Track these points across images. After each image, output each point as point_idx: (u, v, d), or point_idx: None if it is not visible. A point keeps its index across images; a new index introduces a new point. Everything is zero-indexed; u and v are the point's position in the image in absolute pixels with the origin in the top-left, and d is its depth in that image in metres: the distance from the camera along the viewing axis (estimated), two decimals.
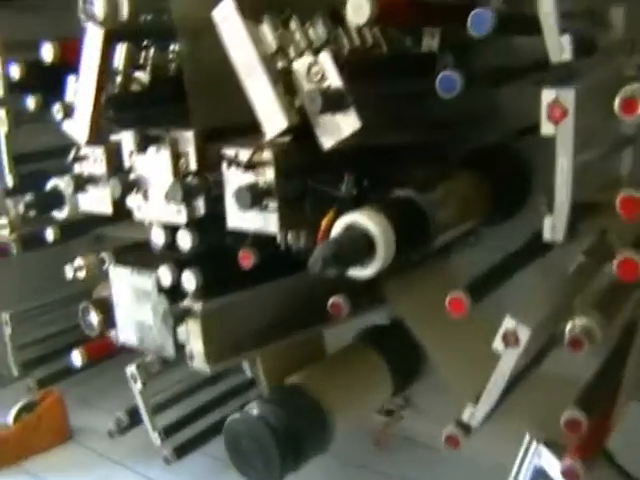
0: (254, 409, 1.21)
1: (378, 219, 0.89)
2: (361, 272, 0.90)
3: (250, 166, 0.97)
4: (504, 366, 0.93)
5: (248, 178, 1.00)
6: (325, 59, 0.94)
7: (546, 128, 0.83)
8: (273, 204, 0.99)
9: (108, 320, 1.29)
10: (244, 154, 1.00)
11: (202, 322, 1.15)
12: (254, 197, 0.96)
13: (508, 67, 1.01)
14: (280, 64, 1.01)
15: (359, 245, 0.87)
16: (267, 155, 0.98)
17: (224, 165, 1.02)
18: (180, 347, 1.21)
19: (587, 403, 0.87)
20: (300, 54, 1.00)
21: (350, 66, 0.97)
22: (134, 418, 1.49)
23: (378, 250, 0.89)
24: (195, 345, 1.17)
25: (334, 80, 0.93)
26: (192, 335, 1.17)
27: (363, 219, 0.88)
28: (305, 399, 1.23)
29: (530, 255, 1.11)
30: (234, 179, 1.02)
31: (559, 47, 0.81)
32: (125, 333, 1.29)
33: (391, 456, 1.56)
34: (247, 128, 1.05)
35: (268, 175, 0.99)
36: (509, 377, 0.94)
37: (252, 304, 1.21)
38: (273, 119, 0.97)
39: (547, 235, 0.88)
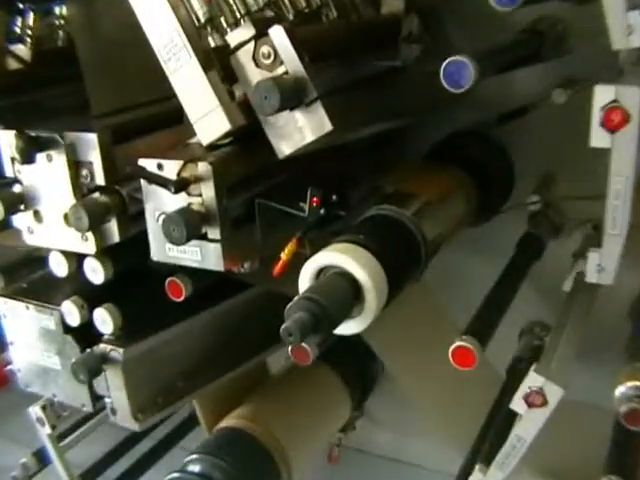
0: (195, 465, 0.94)
1: (366, 260, 0.63)
2: (346, 329, 0.63)
3: (180, 186, 0.67)
4: (526, 430, 0.70)
5: (178, 199, 0.70)
6: (278, 35, 0.66)
7: (599, 138, 0.58)
8: (214, 231, 0.71)
9: None
10: (171, 168, 0.70)
11: (124, 371, 0.87)
12: (189, 228, 0.67)
13: (502, 47, 0.75)
14: (212, 41, 0.71)
15: (346, 301, 0.60)
16: (203, 168, 0.69)
17: (143, 182, 0.72)
18: (99, 396, 0.92)
19: None
20: (235, 23, 0.71)
21: (306, 43, 0.68)
22: (43, 460, 1.19)
23: (368, 301, 0.63)
24: (117, 398, 0.89)
25: (293, 65, 0.66)
26: (113, 386, 0.88)
27: (347, 262, 0.62)
28: (253, 446, 0.97)
29: (525, 265, 0.87)
30: (157, 196, 0.73)
31: (625, 28, 0.55)
32: (25, 376, 0.98)
33: (346, 471, 1.33)
34: (169, 119, 0.76)
35: (206, 195, 0.70)
36: (531, 441, 0.71)
37: (185, 341, 0.94)
38: (209, 120, 0.69)
39: (592, 277, 0.65)
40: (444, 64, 0.61)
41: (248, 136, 0.72)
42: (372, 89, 0.78)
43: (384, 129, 0.86)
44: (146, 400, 0.91)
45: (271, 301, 0.82)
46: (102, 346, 0.87)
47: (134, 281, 0.87)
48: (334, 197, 0.73)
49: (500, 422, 0.82)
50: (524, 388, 0.69)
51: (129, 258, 0.84)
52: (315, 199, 0.71)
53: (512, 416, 0.80)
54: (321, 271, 0.65)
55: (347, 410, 1.17)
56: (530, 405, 0.69)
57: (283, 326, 0.58)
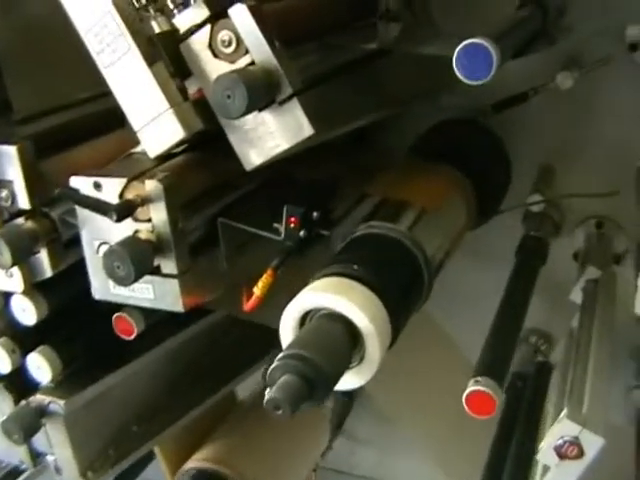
0: None
1: (364, 300, 0.50)
2: (344, 384, 0.50)
3: (123, 211, 0.52)
4: None
5: (122, 226, 0.56)
6: (240, 16, 0.51)
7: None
8: (168, 264, 0.56)
9: None
10: (111, 188, 0.55)
11: (67, 426, 0.73)
12: (137, 264, 0.53)
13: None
14: (157, 26, 0.56)
15: (343, 353, 0.47)
16: (151, 187, 0.54)
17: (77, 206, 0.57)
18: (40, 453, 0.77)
19: None
20: (184, 3, 0.56)
21: (275, 24, 0.53)
22: None
23: (370, 350, 0.50)
24: (61, 455, 0.75)
25: (260, 53, 0.52)
26: (55, 443, 0.73)
27: (343, 304, 0.48)
28: None
29: (532, 274, 0.76)
30: (96, 223, 0.58)
31: None
32: None
33: None
34: (110, 121, 0.63)
35: (156, 219, 0.55)
36: None
37: (139, 381, 0.80)
38: (156, 126, 0.54)
39: None
40: (457, 50, 0.47)
41: (207, 141, 0.58)
42: (351, 77, 0.65)
43: (365, 123, 0.73)
44: (96, 454, 0.76)
45: (238, 324, 0.71)
46: (39, 397, 0.72)
47: (75, 318, 0.72)
48: (315, 214, 0.59)
49: (514, 464, 0.71)
50: (555, 437, 0.57)
51: (67, 291, 0.69)
52: (292, 219, 0.57)
53: (527, 457, 0.69)
54: (307, 313, 0.51)
55: (326, 435, 1.04)
56: (563, 457, 0.57)
57: (267, 396, 0.44)
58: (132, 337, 0.70)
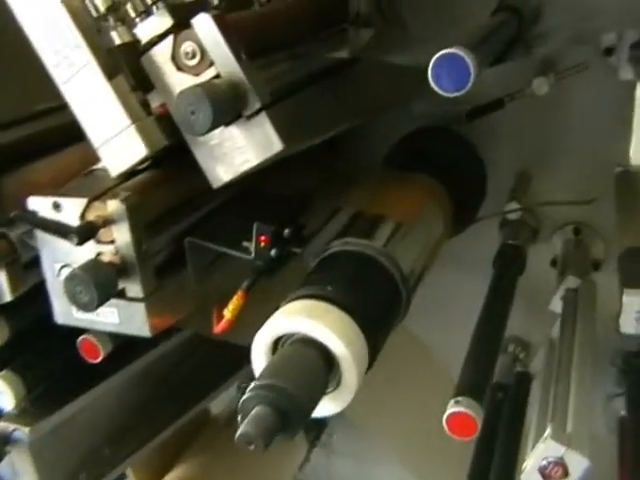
0: None
1: (340, 324, 0.48)
2: (320, 412, 0.48)
3: (85, 234, 0.49)
4: None
5: (84, 249, 0.53)
6: (204, 26, 0.49)
7: None
8: (134, 287, 0.53)
9: None
10: (71, 209, 0.52)
11: (32, 453, 0.69)
12: (101, 289, 0.50)
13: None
14: (117, 37, 0.53)
15: (319, 381, 0.45)
16: (114, 207, 0.51)
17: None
18: None
19: None
20: (146, 11, 0.53)
21: (241, 34, 0.51)
22: None
23: (347, 376, 0.47)
24: None
25: (226, 65, 0.49)
26: (21, 471, 0.70)
27: (317, 330, 0.46)
28: None
29: (511, 284, 0.75)
30: (56, 245, 0.55)
31: None
32: None
33: None
34: (71, 134, 0.59)
35: (120, 241, 0.53)
36: None
37: (108, 402, 0.77)
38: (118, 143, 0.51)
39: (629, 327, 0.55)
40: (433, 60, 0.45)
41: (172, 156, 0.55)
42: (322, 87, 0.62)
43: (337, 133, 0.70)
44: None
45: (208, 341, 0.68)
46: (2, 425, 0.69)
47: (38, 341, 0.69)
48: (286, 231, 0.57)
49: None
50: (538, 458, 0.55)
51: (29, 314, 0.66)
52: (263, 237, 0.55)
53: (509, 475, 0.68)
54: (280, 338, 0.49)
55: (303, 448, 1.02)
56: (547, 478, 0.55)
57: (240, 430, 0.41)
58: (98, 360, 0.67)
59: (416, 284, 0.62)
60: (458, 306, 0.90)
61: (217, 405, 1.03)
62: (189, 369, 0.86)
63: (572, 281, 0.78)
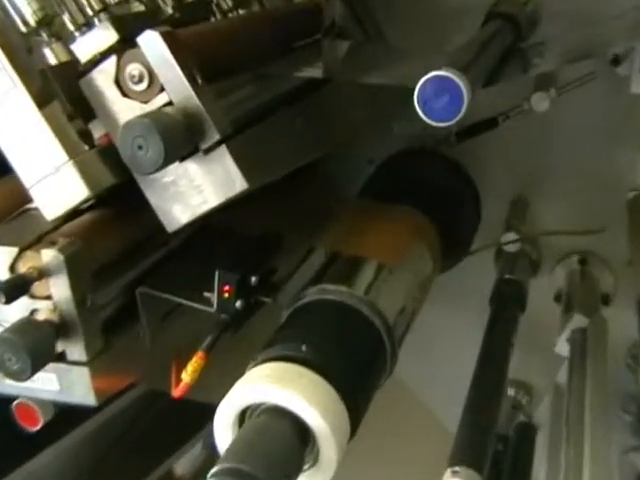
0: None
1: (316, 391, 0.46)
2: None
3: (15, 290, 0.46)
4: None
5: (15, 305, 0.49)
6: (153, 44, 0.46)
7: None
8: (75, 349, 0.50)
9: None
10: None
11: None
12: (35, 355, 0.47)
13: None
14: (51, 55, 0.51)
15: (291, 461, 0.42)
16: (50, 257, 0.48)
17: None
18: None
19: None
20: (86, 24, 0.51)
21: (196, 53, 0.48)
22: None
23: (325, 452, 0.45)
24: None
25: (179, 90, 0.47)
26: None
27: (290, 400, 0.43)
28: None
29: (512, 325, 0.75)
30: None
31: None
32: None
33: None
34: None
35: (58, 295, 0.50)
36: None
37: (55, 471, 0.72)
38: (53, 183, 0.48)
39: None
40: (419, 85, 0.42)
41: (120, 192, 0.52)
42: (290, 112, 0.60)
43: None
44: None
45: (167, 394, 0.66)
46: None
47: None
48: (253, 279, 0.54)
49: None
50: None
51: None
52: (226, 287, 0.52)
53: None
54: (247, 408, 0.46)
55: None
56: None
57: None
58: (37, 428, 0.63)
59: (403, 334, 0.60)
60: (449, 350, 0.88)
61: (182, 465, 1.00)
62: (148, 426, 0.84)
63: (579, 320, 0.76)
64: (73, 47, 0.51)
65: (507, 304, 0.77)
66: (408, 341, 0.61)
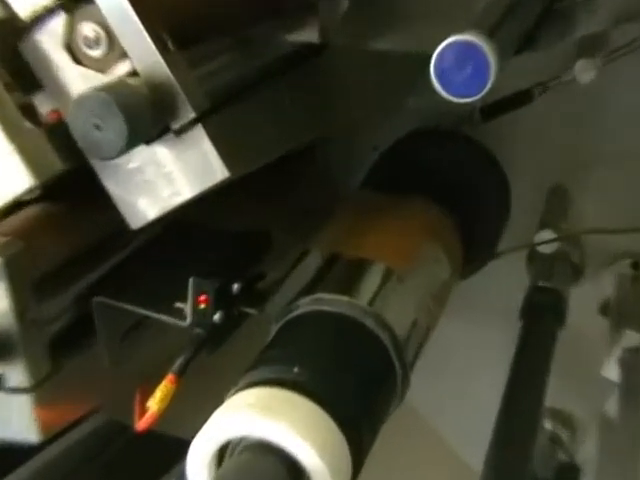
0: None
1: (312, 424, 0.47)
2: None
3: None
4: None
5: None
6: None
7: None
8: (15, 373, 0.52)
9: None
10: None
11: None
12: None
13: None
14: None
15: None
16: None
17: None
18: None
19: None
20: None
21: (165, 11, 0.50)
22: None
23: None
24: None
25: (145, 57, 0.47)
26: None
27: (279, 434, 0.45)
28: None
29: (549, 342, 0.78)
30: None
31: None
32: None
33: None
34: None
35: None
36: None
37: None
38: None
39: None
40: (436, 53, 0.43)
41: (71, 182, 0.54)
42: (280, 85, 0.61)
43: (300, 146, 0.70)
44: None
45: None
46: None
47: None
48: (235, 287, 0.56)
49: None
50: None
51: None
52: (202, 297, 0.54)
53: None
54: (227, 444, 0.47)
55: None
56: None
57: None
58: None
59: (416, 353, 0.62)
60: (469, 371, 0.90)
61: None
62: (108, 463, 0.85)
63: (632, 337, 0.78)
64: (12, 2, 0.51)
65: (542, 317, 0.79)
66: (421, 360, 0.63)
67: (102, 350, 0.58)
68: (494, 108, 0.78)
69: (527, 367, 0.74)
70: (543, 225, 0.82)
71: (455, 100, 0.44)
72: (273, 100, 0.58)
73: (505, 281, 0.85)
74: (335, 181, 0.85)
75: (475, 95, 0.43)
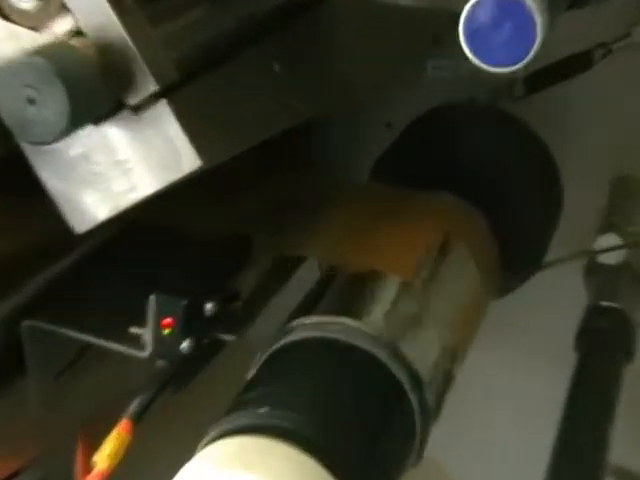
0: None
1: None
2: None
3: None
4: None
5: None
6: None
7: None
8: None
9: None
10: None
11: None
12: None
13: None
14: None
15: None
16: None
17: None
18: None
19: None
20: None
21: None
22: None
23: None
24: None
25: (93, 14, 0.48)
26: None
27: None
28: None
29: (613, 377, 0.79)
30: None
31: None
32: None
33: None
34: None
35: None
36: None
37: None
38: None
39: None
40: (467, 9, 0.45)
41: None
42: (266, 51, 0.62)
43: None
44: None
45: None
46: None
47: None
48: (208, 307, 0.57)
49: None
50: None
51: None
52: (167, 320, 0.55)
53: None
54: None
55: None
56: None
57: None
58: None
59: (442, 394, 0.63)
60: (506, 414, 0.92)
61: None
62: None
63: None
64: None
65: (604, 347, 0.80)
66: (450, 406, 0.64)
67: (33, 389, 0.59)
68: (541, 77, 0.80)
69: (584, 412, 0.75)
70: (605, 228, 0.83)
71: (491, 70, 0.45)
72: (258, 67, 0.59)
73: (556, 300, 0.86)
74: (336, 171, 0.86)
75: (517, 63, 0.45)
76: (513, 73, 0.69)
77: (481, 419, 0.93)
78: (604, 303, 0.83)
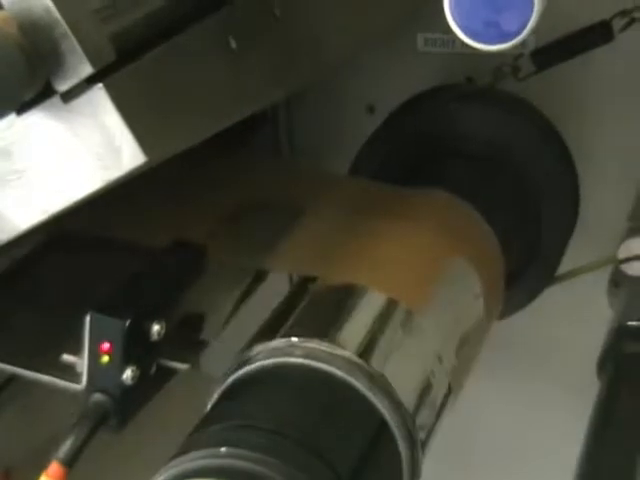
0: None
1: None
2: None
3: None
4: None
5: None
6: None
7: None
8: None
9: None
10: None
11: None
12: None
13: None
14: None
15: None
16: None
17: None
18: None
19: None
20: None
21: None
22: None
23: None
24: None
25: None
26: None
27: None
28: None
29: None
30: None
31: None
32: None
33: None
34: None
35: None
36: None
37: None
38: None
39: None
40: None
41: None
42: (220, 23, 0.63)
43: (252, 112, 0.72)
44: None
45: None
46: None
47: None
48: (156, 328, 0.58)
49: None
50: None
51: None
52: (105, 345, 0.56)
53: None
54: None
55: None
56: None
57: None
58: None
59: (432, 428, 0.65)
60: (516, 453, 0.93)
61: None
62: None
63: None
64: None
65: (633, 374, 0.81)
66: (439, 438, 0.66)
67: None
68: (553, 52, 0.81)
69: (608, 449, 0.76)
70: (631, 233, 0.84)
71: (479, 47, 0.46)
72: (211, 43, 0.60)
73: (573, 318, 0.88)
74: (308, 163, 0.87)
75: (512, 38, 0.46)
76: (516, 48, 0.71)
77: (484, 456, 0.95)
78: (632, 323, 0.84)
